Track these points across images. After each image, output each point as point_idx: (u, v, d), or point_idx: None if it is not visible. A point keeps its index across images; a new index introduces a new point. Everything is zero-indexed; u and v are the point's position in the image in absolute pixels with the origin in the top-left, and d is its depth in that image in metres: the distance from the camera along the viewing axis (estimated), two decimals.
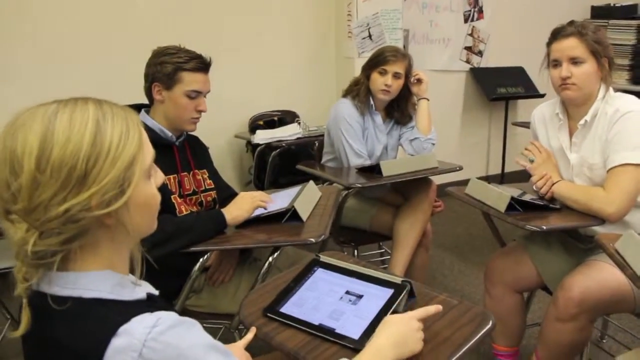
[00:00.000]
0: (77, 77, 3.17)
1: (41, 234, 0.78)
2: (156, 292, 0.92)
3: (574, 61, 1.87)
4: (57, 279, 0.82)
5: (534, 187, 1.99)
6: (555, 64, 1.91)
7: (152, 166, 0.89)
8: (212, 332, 2.03)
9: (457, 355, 1.08)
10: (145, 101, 1.92)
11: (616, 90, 1.94)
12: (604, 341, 2.45)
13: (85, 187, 0.78)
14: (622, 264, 1.43)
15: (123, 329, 0.77)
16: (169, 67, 1.81)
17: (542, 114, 2.12)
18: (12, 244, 0.81)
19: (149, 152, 0.87)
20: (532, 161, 2.04)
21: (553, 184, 1.93)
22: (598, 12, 4.76)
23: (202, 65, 1.86)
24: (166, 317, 0.80)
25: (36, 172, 0.77)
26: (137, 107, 1.91)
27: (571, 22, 1.91)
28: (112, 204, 0.80)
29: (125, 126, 0.83)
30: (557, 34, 1.92)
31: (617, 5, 4.68)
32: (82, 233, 0.80)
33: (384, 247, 3.22)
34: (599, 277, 1.73)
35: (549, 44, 1.95)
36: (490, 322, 1.17)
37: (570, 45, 1.86)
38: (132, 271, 0.92)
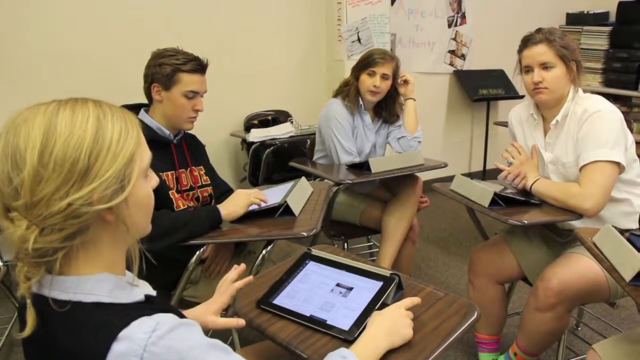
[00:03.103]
0: (78, 78, 3.12)
1: (42, 231, 0.75)
2: (154, 293, 0.89)
3: (545, 66, 1.86)
4: (57, 283, 0.78)
5: (512, 185, 1.97)
6: (527, 69, 1.90)
7: (148, 167, 0.87)
8: None
9: (445, 345, 1.06)
10: (145, 101, 1.89)
11: (590, 92, 1.93)
12: (579, 329, 2.44)
13: (87, 181, 0.75)
14: (600, 257, 1.42)
15: (123, 333, 0.74)
16: (167, 68, 1.79)
17: (519, 115, 2.10)
18: (11, 243, 0.77)
19: (147, 152, 0.85)
20: (510, 164, 2.02)
21: (533, 182, 1.91)
22: (573, 19, 4.76)
23: (199, 66, 1.83)
24: (165, 321, 0.76)
25: (39, 166, 0.74)
26: (137, 107, 1.88)
27: (539, 30, 1.90)
28: (113, 199, 0.78)
29: (124, 124, 0.81)
30: (527, 42, 1.90)
31: (590, 12, 4.68)
32: (83, 229, 0.77)
33: (372, 240, 3.20)
34: (576, 268, 1.71)
35: (520, 51, 1.94)
36: (476, 314, 1.15)
37: (540, 52, 1.85)
38: (129, 268, 0.88)
